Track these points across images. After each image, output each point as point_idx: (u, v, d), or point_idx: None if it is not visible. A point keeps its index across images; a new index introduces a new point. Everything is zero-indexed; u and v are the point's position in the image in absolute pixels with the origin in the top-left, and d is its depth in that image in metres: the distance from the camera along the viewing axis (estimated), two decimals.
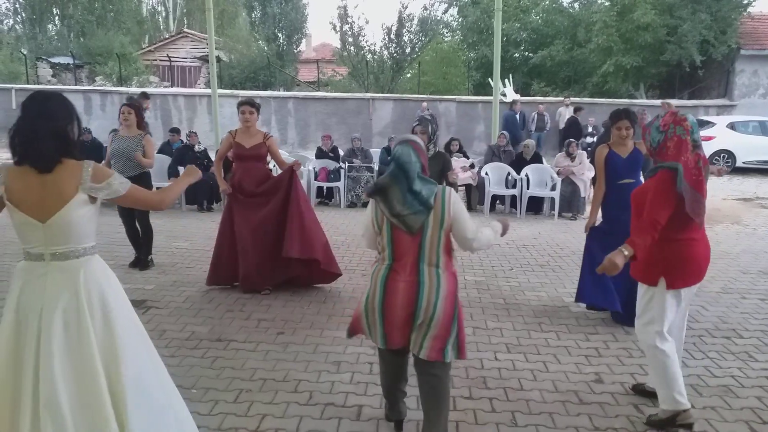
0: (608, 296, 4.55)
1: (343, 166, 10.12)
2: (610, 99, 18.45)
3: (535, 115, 15.62)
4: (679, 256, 3.03)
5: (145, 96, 11.27)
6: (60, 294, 2.20)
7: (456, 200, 2.73)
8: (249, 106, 5.20)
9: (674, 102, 17.95)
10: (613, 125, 4.58)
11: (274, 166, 6.47)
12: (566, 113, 16.02)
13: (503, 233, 2.99)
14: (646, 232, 2.91)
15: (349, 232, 7.86)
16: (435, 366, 2.75)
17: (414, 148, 2.76)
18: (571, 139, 10.07)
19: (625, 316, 4.42)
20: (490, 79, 13.64)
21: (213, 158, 9.84)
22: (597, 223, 4.70)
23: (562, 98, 17.21)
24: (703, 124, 15.28)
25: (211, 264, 5.38)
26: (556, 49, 20.57)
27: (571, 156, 9.47)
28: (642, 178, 4.52)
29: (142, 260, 6.07)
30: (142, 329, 2.44)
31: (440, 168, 4.44)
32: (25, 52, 23.59)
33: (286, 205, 5.21)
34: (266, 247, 5.19)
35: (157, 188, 9.10)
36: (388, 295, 2.70)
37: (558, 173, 9.33)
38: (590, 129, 15.18)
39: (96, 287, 2.26)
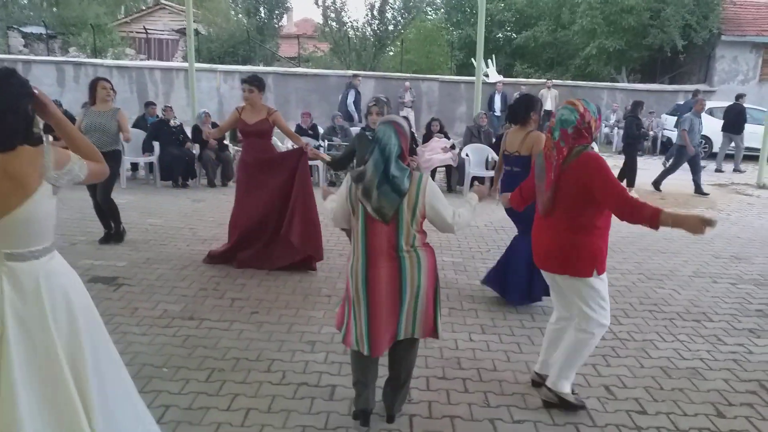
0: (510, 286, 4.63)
1: (322, 144, 10.00)
2: (593, 82, 18.51)
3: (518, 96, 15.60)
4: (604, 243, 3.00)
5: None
6: (19, 300, 1.99)
7: (431, 188, 2.71)
8: (248, 84, 5.20)
9: (655, 87, 18.10)
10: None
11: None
12: (548, 95, 16.04)
13: (480, 200, 3.06)
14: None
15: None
16: (414, 346, 2.94)
17: (395, 129, 2.73)
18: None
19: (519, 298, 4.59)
20: (473, 60, 13.54)
21: (188, 134, 9.72)
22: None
23: (545, 80, 17.20)
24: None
25: (231, 243, 5.37)
26: (540, 30, 20.51)
27: None
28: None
29: (112, 234, 5.98)
30: (101, 323, 2.28)
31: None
32: None
33: (290, 189, 5.19)
34: (269, 231, 5.24)
35: (132, 164, 8.96)
36: (371, 286, 2.70)
37: None
38: None
39: (60, 290, 2.07)
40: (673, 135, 14.88)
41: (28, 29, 23.76)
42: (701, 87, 17.92)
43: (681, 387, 3.45)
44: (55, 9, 25.99)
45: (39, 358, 2.00)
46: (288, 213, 5.17)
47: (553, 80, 16.91)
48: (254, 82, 5.22)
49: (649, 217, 2.65)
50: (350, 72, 18.23)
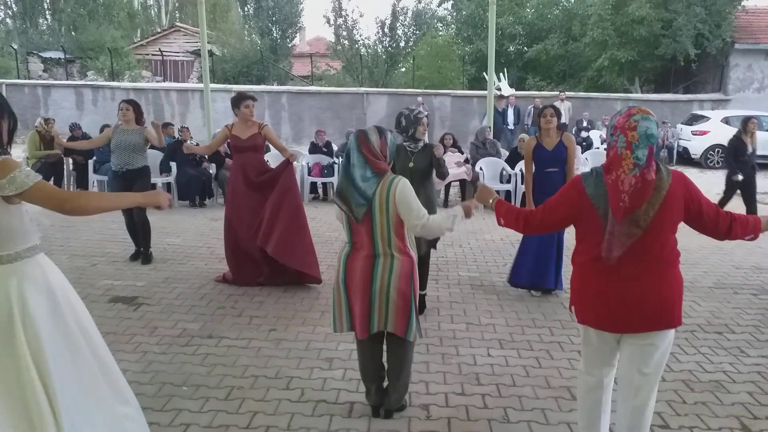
0: (545, 275, 5.09)
1: (336, 161, 10.07)
2: (606, 93, 18.46)
3: (531, 109, 15.59)
4: (584, 285, 2.46)
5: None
6: None
7: (402, 189, 2.86)
8: (252, 100, 5.34)
9: (669, 96, 18.00)
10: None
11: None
12: (561, 108, 16.02)
13: (466, 216, 3.00)
14: (514, 217, 2.59)
15: (342, 228, 7.82)
16: (401, 343, 3.04)
17: (357, 137, 2.94)
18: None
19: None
20: (485, 74, 13.59)
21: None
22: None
23: (558, 92, 17.18)
24: (698, 118, 15.31)
25: (228, 262, 5.43)
26: (551, 43, 20.53)
27: None
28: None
29: (143, 253, 6.10)
30: (91, 330, 2.32)
31: (430, 161, 4.43)
32: (15, 47, 23.39)
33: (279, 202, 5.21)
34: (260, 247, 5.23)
35: (153, 185, 9.11)
36: (349, 272, 2.99)
37: None
38: (585, 123, 15.19)
39: (32, 293, 2.12)
40: (690, 145, 14.81)
41: (47, 54, 24.31)
42: (716, 96, 17.81)
43: (704, 400, 3.40)
44: (73, 34, 26.57)
45: (6, 362, 2.07)
46: (267, 228, 5.12)
47: (566, 92, 16.89)
48: (255, 98, 5.41)
49: (753, 225, 2.39)
50: (362, 89, 18.37)
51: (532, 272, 5.12)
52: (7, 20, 28.36)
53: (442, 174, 4.50)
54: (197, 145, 9.86)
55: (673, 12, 17.82)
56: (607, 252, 2.27)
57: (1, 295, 2.09)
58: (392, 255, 2.91)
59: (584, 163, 9.54)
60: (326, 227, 7.58)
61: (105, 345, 2.39)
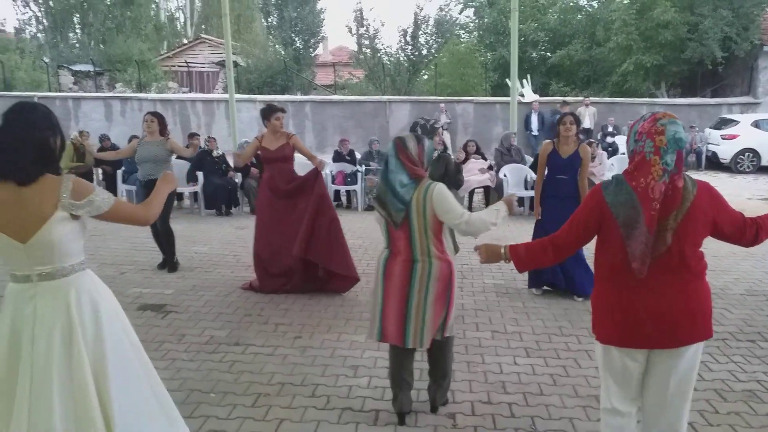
0: (555, 274, 5.16)
1: (360, 169, 10.12)
2: (631, 98, 18.24)
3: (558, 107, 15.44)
4: (607, 300, 2.33)
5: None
6: (51, 317, 2.12)
7: (438, 192, 2.92)
8: (282, 112, 5.44)
9: (696, 101, 17.71)
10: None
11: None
12: (586, 113, 15.89)
13: (510, 212, 3.06)
14: (540, 250, 2.45)
15: (366, 236, 7.84)
16: (440, 345, 3.13)
17: (395, 144, 3.00)
18: (590, 140, 9.96)
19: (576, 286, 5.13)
20: (507, 80, 13.55)
21: (231, 163, 9.98)
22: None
23: (582, 98, 17.02)
24: (727, 122, 15.03)
25: (256, 270, 5.50)
26: (575, 49, 20.37)
27: (591, 156, 9.35)
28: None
29: (168, 261, 6.21)
30: (136, 340, 2.36)
31: (444, 171, 4.46)
32: (47, 61, 24.01)
33: (312, 212, 5.29)
34: (293, 257, 5.28)
35: (178, 194, 9.26)
36: (387, 276, 3.04)
37: None
38: (610, 128, 15.02)
39: (88, 305, 2.19)
40: (719, 149, 14.54)
41: (77, 67, 24.93)
42: (745, 99, 17.47)
43: (737, 410, 3.32)
44: (102, 47, 27.20)
45: (65, 373, 2.10)
46: (305, 235, 5.20)
47: (591, 98, 16.73)
48: (284, 110, 5.50)
49: None
50: (385, 98, 18.44)
51: (552, 271, 5.15)
52: (39, 35, 29.15)
53: (458, 182, 4.53)
54: (222, 154, 10.03)
55: (699, 15, 17.56)
56: (639, 263, 2.15)
57: (62, 307, 2.13)
58: (430, 260, 2.97)
59: (610, 168, 9.43)
60: (349, 235, 7.57)
61: (148, 359, 2.42)
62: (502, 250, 2.51)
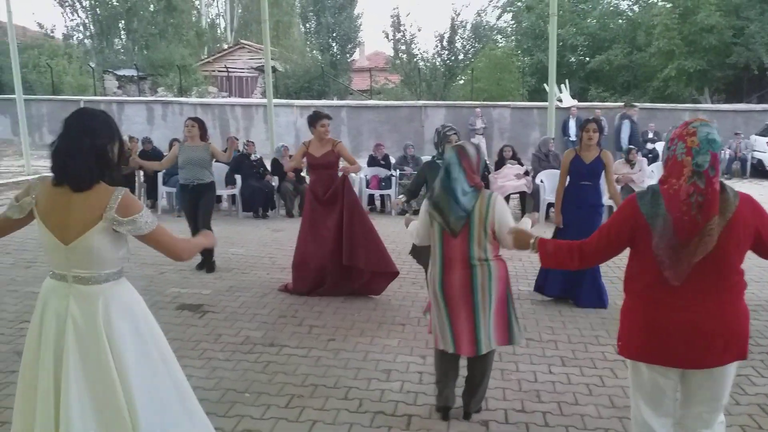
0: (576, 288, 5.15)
1: (394, 173, 10.14)
2: (673, 104, 17.82)
3: (618, 117, 15.10)
4: (640, 315, 2.23)
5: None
6: (81, 319, 2.17)
7: (501, 205, 3.02)
8: (327, 119, 5.48)
9: (742, 107, 17.19)
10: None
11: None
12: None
13: (532, 226, 3.22)
14: (567, 252, 2.39)
15: (399, 240, 7.83)
16: (489, 353, 3.14)
17: (457, 152, 3.03)
18: (631, 146, 9.77)
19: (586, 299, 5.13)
20: (545, 85, 13.41)
21: (268, 167, 10.14)
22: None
23: (622, 104, 16.68)
24: None
25: (294, 271, 5.56)
26: (615, 54, 20.05)
27: (630, 163, 9.18)
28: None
29: (207, 262, 6.33)
30: (167, 353, 2.39)
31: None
32: (93, 66, 24.78)
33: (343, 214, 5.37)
34: (332, 257, 5.35)
35: (218, 196, 9.39)
36: (447, 291, 3.03)
37: (617, 181, 9.04)
38: (651, 135, 14.68)
39: (116, 315, 2.21)
40: (765, 157, 14.07)
41: (121, 72, 25.68)
42: None
43: None
44: (145, 52, 27.93)
45: (93, 371, 2.16)
46: (349, 244, 5.28)
47: (633, 103, 16.40)
48: (330, 117, 5.52)
49: None
50: (420, 102, 18.42)
51: (564, 282, 5.17)
52: (86, 41, 30.12)
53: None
54: (260, 158, 10.18)
55: (745, 19, 17.09)
56: (671, 271, 2.08)
57: (90, 314, 2.18)
58: (488, 261, 3.01)
59: (650, 175, 9.21)
60: (383, 239, 7.59)
61: (180, 369, 2.45)
62: (532, 241, 2.54)
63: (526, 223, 3.20)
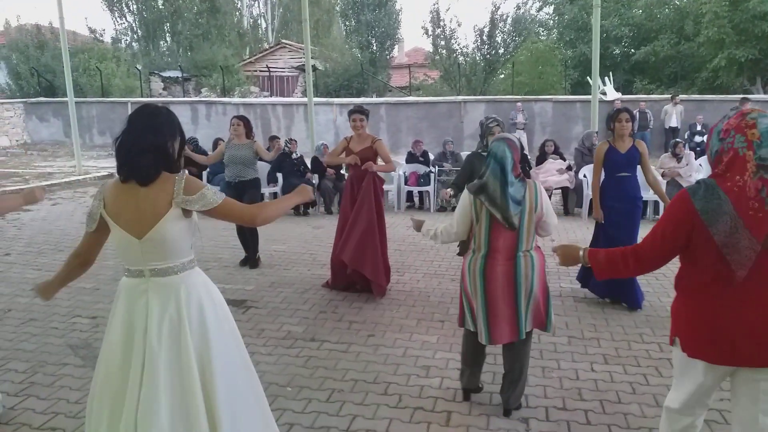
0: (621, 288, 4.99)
1: (433, 170, 10.12)
2: (722, 95, 17.21)
3: (637, 113, 14.82)
4: (697, 313, 2.16)
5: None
6: (163, 311, 2.19)
7: (545, 195, 3.09)
8: (358, 114, 5.44)
9: None
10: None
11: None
12: (673, 111, 15.14)
13: None
14: (620, 259, 2.25)
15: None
16: (524, 342, 3.16)
17: (508, 144, 3.05)
18: (677, 140, 9.49)
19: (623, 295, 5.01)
20: (588, 78, 13.14)
21: (308, 164, 10.26)
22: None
23: (670, 96, 16.20)
24: None
25: (331, 267, 5.64)
26: (661, 44, 19.48)
27: (677, 157, 8.91)
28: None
29: (251, 258, 6.47)
30: (239, 339, 2.43)
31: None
32: (140, 68, 25.54)
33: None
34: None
35: (261, 195, 9.56)
36: (488, 282, 3.05)
37: (663, 175, 8.80)
38: (699, 127, 14.24)
39: (196, 302, 2.24)
40: None
41: (166, 74, 26.40)
42: None
43: None
44: (189, 54, 28.64)
45: (174, 365, 2.17)
46: (347, 234, 5.28)
47: (679, 95, 15.92)
48: (363, 112, 5.47)
49: None
50: (459, 98, 18.31)
51: (608, 283, 4.99)
52: (133, 44, 31.07)
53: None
54: (300, 156, 10.31)
55: None
56: (745, 270, 1.99)
57: (172, 303, 2.20)
58: (531, 253, 3.06)
59: (698, 169, 8.93)
60: (421, 236, 7.62)
61: (249, 357, 2.48)
62: (581, 253, 2.37)
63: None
